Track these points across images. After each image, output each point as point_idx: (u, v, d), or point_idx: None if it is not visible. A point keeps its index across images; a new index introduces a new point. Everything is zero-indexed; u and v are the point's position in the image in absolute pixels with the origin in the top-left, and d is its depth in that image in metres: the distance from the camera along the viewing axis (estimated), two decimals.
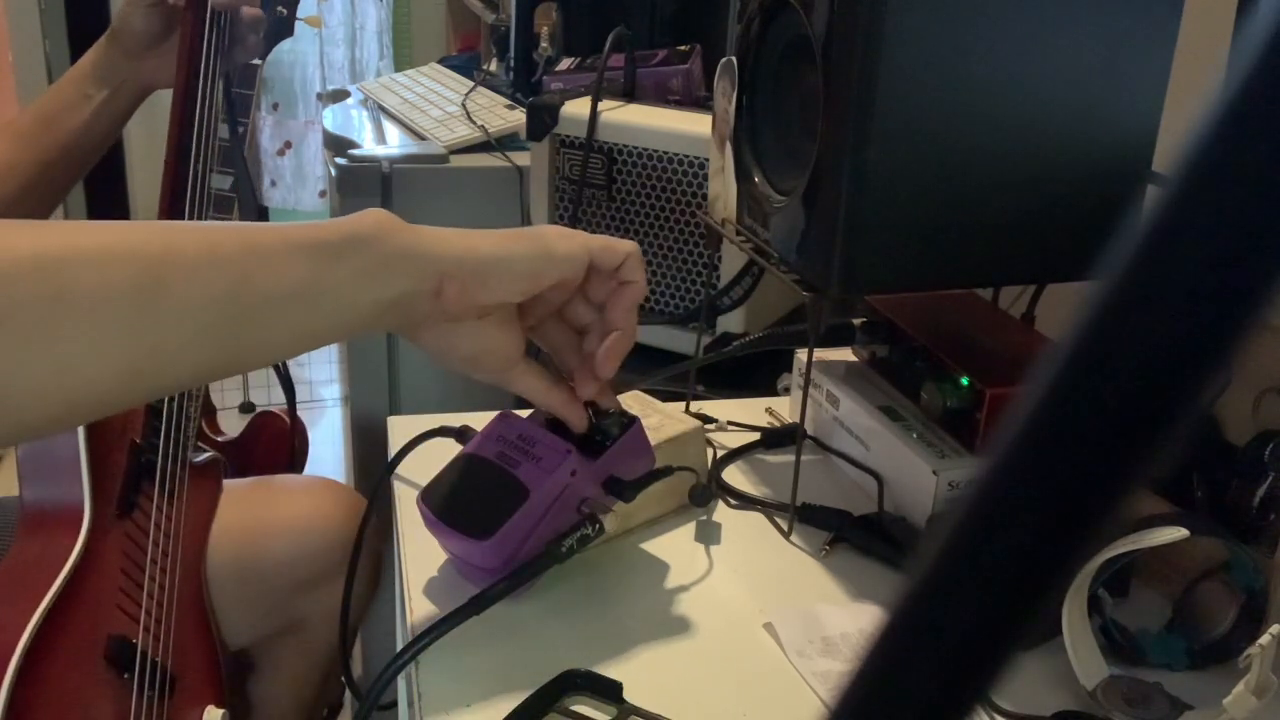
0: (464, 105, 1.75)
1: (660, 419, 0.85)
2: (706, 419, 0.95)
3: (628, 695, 0.65)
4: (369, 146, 1.66)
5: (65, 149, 1.10)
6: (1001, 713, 0.65)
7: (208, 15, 1.09)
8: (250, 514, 1.21)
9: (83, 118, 1.10)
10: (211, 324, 0.53)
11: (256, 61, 1.20)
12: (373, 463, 1.68)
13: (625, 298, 0.68)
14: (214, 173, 1.11)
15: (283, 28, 1.25)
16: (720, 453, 0.92)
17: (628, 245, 0.68)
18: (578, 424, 0.71)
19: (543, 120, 1.24)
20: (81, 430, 0.98)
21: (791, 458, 0.85)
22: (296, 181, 3.71)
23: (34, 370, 0.48)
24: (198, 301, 0.52)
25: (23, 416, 0.49)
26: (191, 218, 1.07)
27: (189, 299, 0.52)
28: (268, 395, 2.72)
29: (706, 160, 1.09)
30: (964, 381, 0.80)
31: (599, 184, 1.20)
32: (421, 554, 0.77)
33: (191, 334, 0.52)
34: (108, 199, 3.59)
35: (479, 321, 0.65)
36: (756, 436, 0.95)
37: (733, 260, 1.13)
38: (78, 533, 0.97)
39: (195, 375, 0.55)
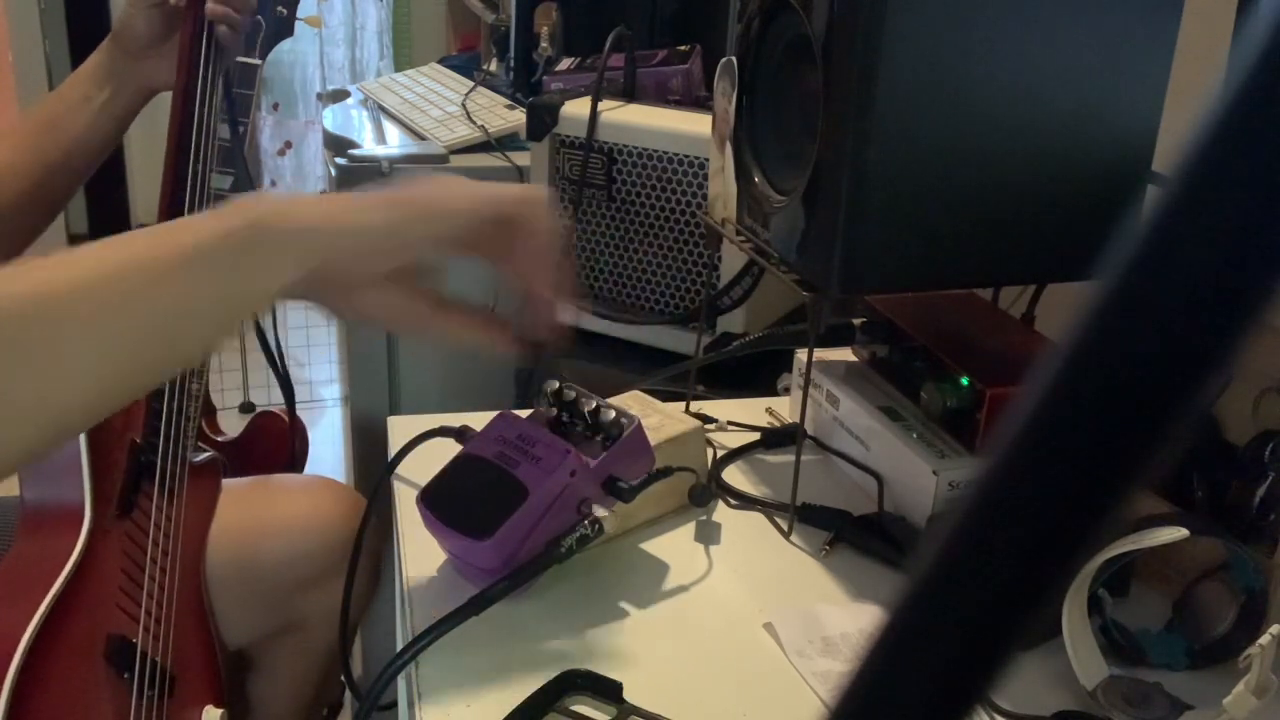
0: (464, 105, 1.75)
1: (660, 419, 0.85)
2: (706, 419, 0.95)
3: (628, 695, 0.65)
4: (369, 146, 1.66)
5: (68, 152, 1.10)
6: (1001, 713, 0.65)
7: (206, 18, 1.09)
8: (249, 514, 1.21)
9: (85, 120, 1.10)
10: (103, 357, 0.54)
11: (256, 61, 1.20)
12: (373, 463, 1.68)
13: (530, 249, 0.64)
14: (214, 173, 1.11)
15: (283, 28, 1.25)
16: (720, 453, 0.92)
17: (520, 193, 0.64)
18: (504, 348, 0.67)
19: (543, 120, 1.24)
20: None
21: (791, 458, 0.85)
22: (297, 181, 3.71)
23: None
24: (86, 341, 0.54)
25: None
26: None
27: (76, 341, 0.53)
28: (268, 395, 2.72)
29: (706, 160, 1.09)
30: (964, 381, 0.80)
31: (599, 184, 1.20)
32: (421, 554, 0.77)
33: (87, 369, 0.54)
34: (108, 200, 3.59)
35: (381, 286, 0.62)
36: (756, 436, 0.94)
37: (733, 260, 1.13)
38: (78, 532, 0.97)
39: (100, 406, 0.57)
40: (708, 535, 0.83)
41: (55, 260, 0.55)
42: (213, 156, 1.10)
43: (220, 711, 1.08)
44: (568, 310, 0.67)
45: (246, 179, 1.21)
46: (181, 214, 1.06)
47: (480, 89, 1.81)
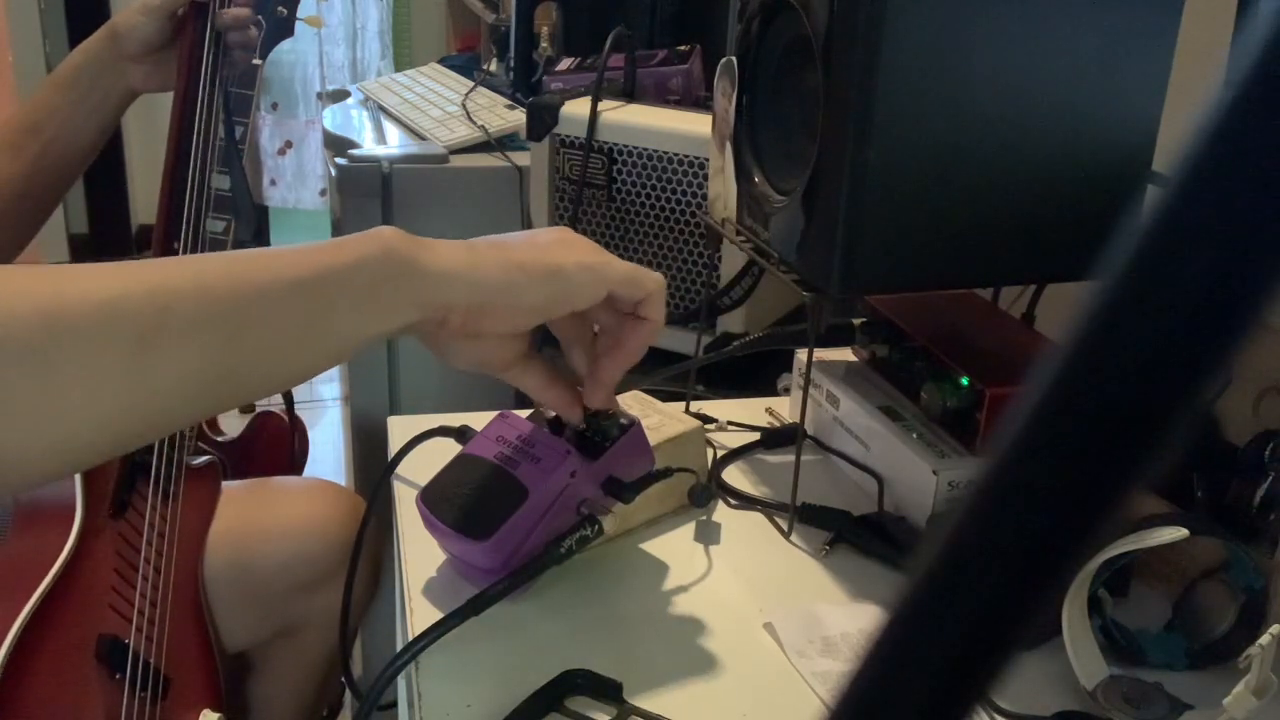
0: (464, 105, 1.75)
1: (660, 419, 0.85)
2: (706, 419, 0.95)
3: (628, 695, 0.65)
4: (369, 146, 1.66)
5: (55, 156, 1.10)
6: (1001, 713, 0.65)
7: (208, 25, 1.10)
8: (248, 517, 1.21)
9: (69, 123, 1.10)
10: (205, 373, 0.52)
11: (256, 61, 1.20)
12: (373, 463, 1.68)
13: (641, 333, 0.66)
14: (216, 173, 1.11)
15: (283, 28, 1.25)
16: (720, 453, 0.92)
17: (651, 283, 0.64)
18: (574, 421, 0.71)
19: (543, 120, 1.24)
20: None
21: (791, 458, 0.85)
22: (297, 180, 3.71)
23: (25, 418, 0.47)
24: (192, 355, 0.51)
25: (9, 464, 0.48)
26: (191, 219, 1.07)
27: (183, 354, 0.51)
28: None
29: (706, 160, 1.09)
30: (964, 381, 0.80)
31: (599, 184, 1.20)
32: (421, 554, 0.77)
33: (185, 383, 0.51)
34: (108, 199, 3.59)
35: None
36: (756, 436, 0.94)
37: (733, 260, 1.13)
38: (69, 531, 0.97)
39: (188, 418, 0.55)
40: (708, 535, 0.83)
41: (176, 261, 0.53)
42: (213, 160, 1.10)
43: (217, 716, 1.08)
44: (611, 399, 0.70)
45: (243, 182, 1.22)
46: (180, 217, 1.06)
47: (480, 89, 1.81)
